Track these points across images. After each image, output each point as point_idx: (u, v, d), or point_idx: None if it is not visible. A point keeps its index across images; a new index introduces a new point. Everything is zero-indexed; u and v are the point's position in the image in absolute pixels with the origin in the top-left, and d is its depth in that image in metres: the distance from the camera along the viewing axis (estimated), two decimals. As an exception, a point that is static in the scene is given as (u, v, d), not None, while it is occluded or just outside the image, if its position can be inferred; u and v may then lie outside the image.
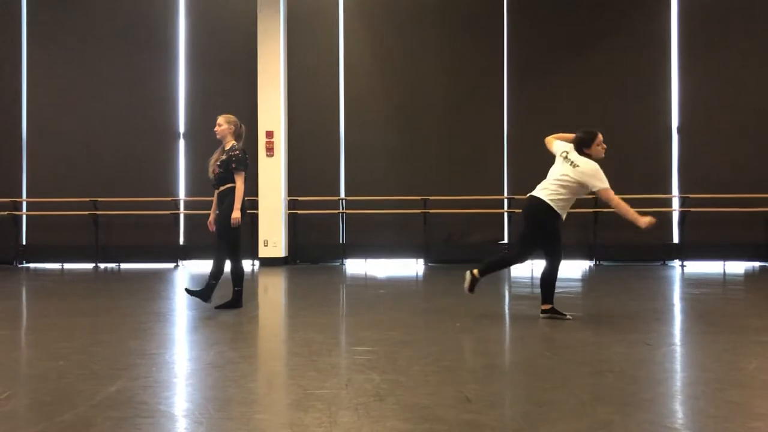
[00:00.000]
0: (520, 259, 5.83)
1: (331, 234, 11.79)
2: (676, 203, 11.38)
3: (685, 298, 7.36)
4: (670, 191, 11.35)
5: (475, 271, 5.83)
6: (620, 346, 4.58)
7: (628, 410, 3.16)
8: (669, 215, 11.40)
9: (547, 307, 5.71)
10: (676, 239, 11.33)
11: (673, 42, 11.40)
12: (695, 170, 11.25)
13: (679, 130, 11.39)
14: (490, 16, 11.70)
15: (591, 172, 5.47)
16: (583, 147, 5.62)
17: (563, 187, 5.53)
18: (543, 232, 5.61)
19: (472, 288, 5.88)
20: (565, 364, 4.09)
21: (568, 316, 5.64)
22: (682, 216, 11.13)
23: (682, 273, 9.99)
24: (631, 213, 5.46)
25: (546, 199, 5.54)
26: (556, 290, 5.80)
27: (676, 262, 11.23)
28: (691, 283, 8.69)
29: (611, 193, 5.49)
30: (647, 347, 4.58)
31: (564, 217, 5.65)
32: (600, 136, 5.67)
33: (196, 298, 6.33)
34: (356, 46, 11.86)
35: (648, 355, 4.34)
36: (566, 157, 5.62)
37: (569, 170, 5.53)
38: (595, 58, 11.50)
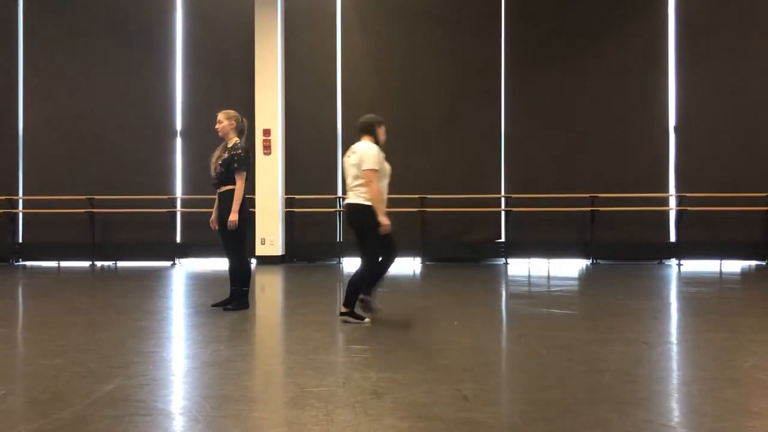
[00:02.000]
0: (374, 266, 5.54)
1: (328, 232, 11.79)
2: (672, 202, 11.41)
3: (681, 297, 7.37)
4: (666, 190, 11.37)
5: (344, 309, 5.53)
6: (617, 345, 4.59)
7: (625, 408, 3.17)
8: (666, 214, 11.42)
9: (346, 309, 5.52)
10: (672, 238, 11.36)
11: (670, 41, 11.42)
12: (692, 169, 11.27)
13: (676, 129, 11.40)
14: (488, 16, 11.70)
15: (365, 151, 5.40)
16: (367, 133, 5.57)
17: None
18: (373, 232, 5.39)
19: (370, 311, 5.58)
20: (562, 363, 4.10)
21: (366, 320, 5.48)
22: (679, 215, 11.16)
23: (679, 272, 10.00)
24: (380, 207, 5.34)
25: (363, 201, 5.41)
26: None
27: (673, 261, 11.25)
28: (688, 281, 8.71)
29: (373, 177, 5.34)
30: (644, 346, 4.59)
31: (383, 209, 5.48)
32: (383, 126, 5.67)
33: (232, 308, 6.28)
34: (354, 43, 11.85)
35: (645, 354, 4.35)
36: (351, 155, 5.53)
37: (355, 163, 5.45)
38: (593, 58, 11.51)
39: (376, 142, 5.57)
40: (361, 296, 5.54)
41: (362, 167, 5.37)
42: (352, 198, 5.46)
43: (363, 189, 5.39)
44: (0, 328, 5.37)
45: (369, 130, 5.59)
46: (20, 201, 12.12)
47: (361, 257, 5.52)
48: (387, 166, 5.59)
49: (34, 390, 3.54)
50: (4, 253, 11.96)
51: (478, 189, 11.47)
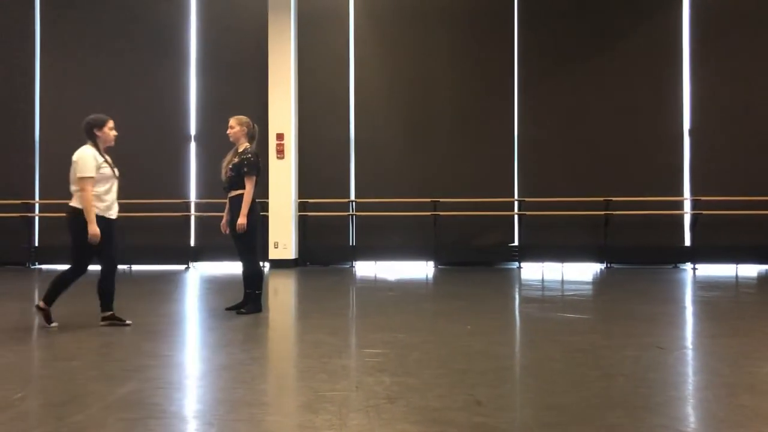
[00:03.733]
0: (78, 271, 5.56)
1: (341, 236, 11.80)
2: (687, 206, 11.32)
3: (696, 301, 7.32)
4: (681, 193, 11.29)
5: (41, 304, 5.54)
6: (631, 350, 4.56)
7: (640, 414, 3.15)
8: (680, 218, 11.34)
9: (107, 314, 5.59)
10: (687, 242, 11.27)
11: (684, 43, 11.34)
12: (707, 172, 11.19)
13: (691, 132, 11.33)
14: (501, 18, 11.69)
15: (79, 159, 5.43)
16: (87, 137, 5.57)
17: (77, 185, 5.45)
18: (84, 235, 5.36)
19: (48, 320, 5.54)
20: (575, 368, 4.08)
21: (127, 322, 5.56)
22: (694, 218, 11.07)
23: (694, 276, 9.93)
24: (91, 215, 5.32)
25: (77, 205, 5.43)
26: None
27: (688, 265, 11.16)
28: (703, 286, 8.64)
29: (87, 185, 5.34)
30: (659, 351, 4.55)
31: (111, 214, 5.53)
32: (111, 122, 5.67)
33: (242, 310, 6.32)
34: (367, 48, 11.88)
35: (660, 359, 4.32)
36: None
37: (72, 170, 5.49)
38: (606, 59, 11.46)
39: (97, 146, 5.54)
40: (40, 304, 5.55)
41: (77, 174, 5.39)
42: (72, 202, 5.49)
43: (77, 195, 5.41)
44: (17, 331, 5.42)
45: (88, 135, 5.57)
46: (36, 205, 12.23)
47: (71, 260, 5.55)
48: (108, 171, 5.50)
49: (50, 393, 3.57)
50: (20, 257, 12.06)
51: (491, 192, 11.44)
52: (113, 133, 5.65)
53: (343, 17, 11.90)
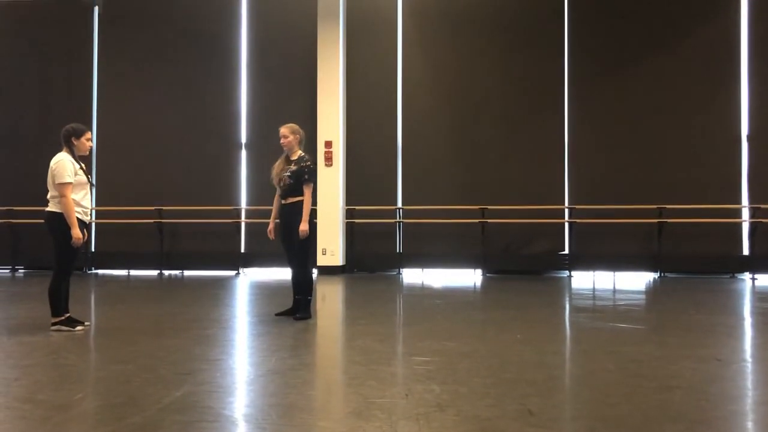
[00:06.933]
0: (67, 272, 5.75)
1: (388, 243, 11.81)
2: (745, 214, 10.96)
3: (756, 312, 7.07)
4: (739, 201, 10.94)
5: (54, 320, 5.65)
6: (688, 362, 4.43)
7: (699, 428, 3.05)
8: (738, 226, 10.98)
9: (56, 319, 5.64)
10: (746, 251, 10.90)
11: (742, 46, 11.00)
12: (766, 179, 10.81)
13: (749, 138, 10.97)
14: (551, 25, 11.55)
15: (56, 166, 5.53)
16: (64, 144, 5.69)
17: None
18: (64, 238, 5.50)
19: (73, 324, 5.70)
20: (630, 379, 3.98)
21: (78, 327, 5.66)
22: (753, 227, 10.71)
23: (753, 286, 9.60)
24: (72, 219, 5.47)
25: (56, 209, 5.54)
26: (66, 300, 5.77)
27: (746, 275, 10.79)
28: (763, 296, 8.34)
29: (66, 190, 5.47)
30: (717, 363, 4.41)
31: (86, 219, 5.73)
32: (88, 133, 5.80)
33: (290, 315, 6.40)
34: (415, 55, 11.89)
35: (718, 372, 4.19)
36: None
37: (49, 177, 5.60)
38: (660, 65, 11.19)
39: (73, 153, 5.68)
40: (54, 320, 5.67)
41: (56, 181, 5.53)
42: (49, 207, 5.64)
43: (58, 199, 5.55)
44: (74, 334, 5.58)
45: (65, 142, 5.71)
46: (93, 212, 12.61)
47: (54, 265, 5.70)
48: (83, 178, 5.66)
49: (108, 394, 3.67)
50: (78, 262, 12.43)
51: (541, 200, 11.29)
52: (89, 144, 5.84)
53: (392, 25, 11.95)
